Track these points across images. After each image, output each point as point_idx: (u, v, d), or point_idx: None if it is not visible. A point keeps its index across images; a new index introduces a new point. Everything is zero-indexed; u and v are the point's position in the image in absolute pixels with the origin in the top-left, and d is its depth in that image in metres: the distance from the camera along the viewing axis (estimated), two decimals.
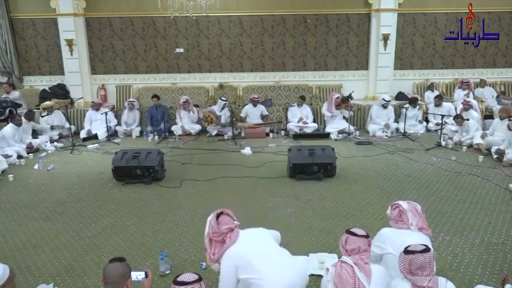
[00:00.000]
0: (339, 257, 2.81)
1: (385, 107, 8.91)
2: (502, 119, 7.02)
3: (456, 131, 8.03)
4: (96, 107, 8.89)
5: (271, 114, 9.33)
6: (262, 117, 9.11)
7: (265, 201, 5.12)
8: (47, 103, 8.73)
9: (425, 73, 10.53)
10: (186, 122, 9.02)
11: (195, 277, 2.24)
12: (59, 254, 3.94)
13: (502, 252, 3.79)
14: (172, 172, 6.34)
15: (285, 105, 9.55)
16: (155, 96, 9.14)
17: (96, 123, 8.82)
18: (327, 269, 2.61)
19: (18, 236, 4.34)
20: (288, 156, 6.09)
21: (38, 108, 9.28)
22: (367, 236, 2.64)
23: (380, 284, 2.52)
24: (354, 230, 2.68)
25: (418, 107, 8.89)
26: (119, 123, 9.15)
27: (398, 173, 6.17)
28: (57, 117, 8.79)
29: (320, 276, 3.30)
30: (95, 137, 8.53)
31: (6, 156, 6.72)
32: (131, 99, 9.25)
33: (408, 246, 2.51)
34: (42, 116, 8.60)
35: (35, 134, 8.38)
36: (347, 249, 2.61)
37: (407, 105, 8.72)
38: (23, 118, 7.78)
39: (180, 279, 2.23)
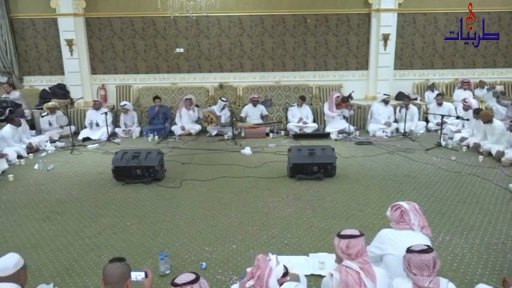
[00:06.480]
0: None
1: (386, 102, 8.90)
2: (485, 122, 7.06)
3: (457, 131, 8.04)
4: (97, 106, 8.89)
5: (271, 114, 9.33)
6: (262, 117, 9.11)
7: (265, 201, 5.12)
8: (51, 104, 8.71)
9: (425, 73, 10.53)
10: (186, 121, 9.02)
11: (192, 277, 2.21)
12: (59, 254, 3.93)
13: (502, 252, 3.78)
14: (172, 172, 6.34)
15: (285, 105, 9.55)
16: (157, 97, 9.16)
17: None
18: (331, 275, 2.54)
19: (18, 236, 4.34)
20: (288, 156, 6.08)
21: (38, 108, 9.29)
22: (362, 234, 2.62)
23: (384, 287, 2.51)
24: (347, 232, 2.62)
25: (410, 107, 8.76)
26: (117, 125, 9.17)
27: (398, 173, 6.17)
28: (59, 117, 8.79)
29: (320, 276, 3.31)
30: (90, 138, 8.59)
31: (2, 156, 6.67)
32: (122, 103, 9.10)
33: (412, 246, 2.51)
34: (43, 116, 8.60)
35: (36, 132, 8.44)
36: (350, 254, 2.53)
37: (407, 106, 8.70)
38: (20, 119, 7.80)
39: (176, 281, 2.21)
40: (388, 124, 8.67)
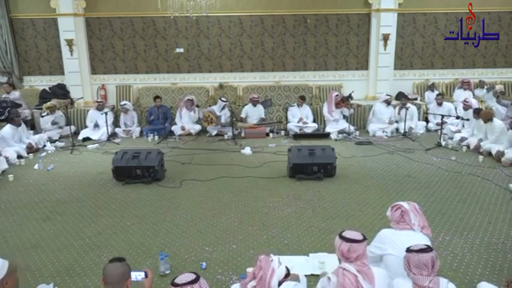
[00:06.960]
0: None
1: (388, 103, 8.89)
2: (486, 121, 7.07)
3: (457, 131, 8.04)
4: (101, 106, 8.89)
5: (271, 114, 9.33)
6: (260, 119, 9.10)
7: (265, 201, 5.12)
8: (50, 103, 8.71)
9: (425, 73, 10.53)
10: (186, 121, 9.02)
11: (192, 277, 2.21)
12: (59, 254, 3.93)
13: (502, 252, 3.78)
14: (172, 172, 6.34)
15: (285, 105, 9.55)
16: (157, 97, 9.15)
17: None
18: (328, 278, 2.52)
19: (18, 236, 4.34)
20: (288, 156, 6.08)
21: (38, 108, 9.29)
22: (365, 238, 2.59)
23: (383, 287, 2.50)
24: (349, 235, 2.58)
25: (410, 107, 8.74)
26: (117, 125, 9.16)
27: (398, 173, 6.17)
28: (58, 117, 8.79)
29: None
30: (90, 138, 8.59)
31: None
32: (122, 103, 9.14)
33: (411, 245, 2.50)
34: (43, 116, 8.60)
35: (34, 132, 8.44)
36: (349, 257, 2.51)
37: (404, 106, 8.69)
38: (20, 120, 7.81)
39: (177, 281, 2.21)
40: (391, 122, 8.69)
